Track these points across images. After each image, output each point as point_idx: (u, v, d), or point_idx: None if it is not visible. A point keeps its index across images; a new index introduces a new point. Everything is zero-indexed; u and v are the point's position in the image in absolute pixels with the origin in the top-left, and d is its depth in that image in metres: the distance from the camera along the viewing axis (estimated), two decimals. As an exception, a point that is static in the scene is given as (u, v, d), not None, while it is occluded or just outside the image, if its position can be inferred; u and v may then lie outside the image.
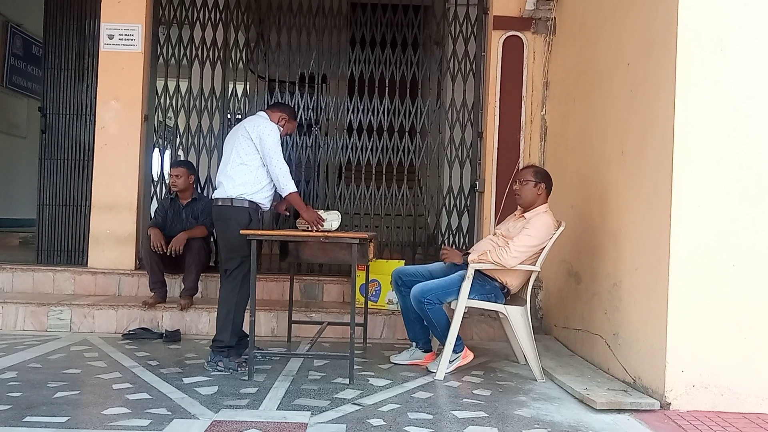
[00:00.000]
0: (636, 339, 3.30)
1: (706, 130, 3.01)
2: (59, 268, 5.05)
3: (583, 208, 4.13)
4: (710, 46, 3.02)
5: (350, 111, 5.55)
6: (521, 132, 5.13)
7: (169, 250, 4.47)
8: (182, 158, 5.40)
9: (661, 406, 2.99)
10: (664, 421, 2.88)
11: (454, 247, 5.38)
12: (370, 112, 5.54)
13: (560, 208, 4.26)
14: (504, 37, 5.13)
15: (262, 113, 3.80)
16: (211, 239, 4.73)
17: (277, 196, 3.80)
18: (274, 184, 3.66)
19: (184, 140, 5.46)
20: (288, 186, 3.60)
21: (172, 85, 5.45)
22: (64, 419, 2.65)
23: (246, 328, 3.59)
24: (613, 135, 3.72)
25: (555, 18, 4.99)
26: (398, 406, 3.01)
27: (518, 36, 5.12)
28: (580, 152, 4.27)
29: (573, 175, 4.35)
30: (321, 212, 3.78)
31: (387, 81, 5.52)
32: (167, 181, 5.03)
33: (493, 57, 5.15)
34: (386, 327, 4.60)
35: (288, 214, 4.10)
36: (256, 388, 3.22)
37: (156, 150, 5.43)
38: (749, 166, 3.02)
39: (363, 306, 4.45)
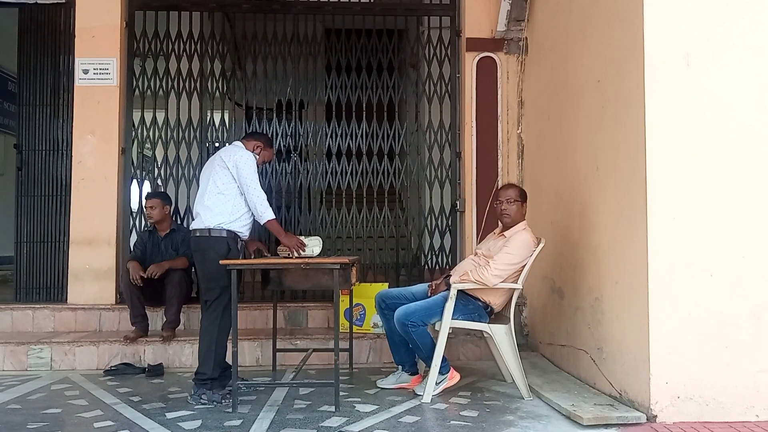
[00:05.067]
0: (620, 352, 3.30)
1: (677, 144, 3.06)
2: (38, 306, 4.97)
3: (562, 224, 4.16)
4: (677, 61, 3.08)
5: (329, 136, 5.57)
6: (498, 151, 5.18)
7: (147, 273, 4.42)
8: (162, 189, 5.37)
9: (647, 419, 3.00)
10: (651, 434, 2.88)
11: (437, 268, 5.39)
12: (348, 137, 5.56)
13: (540, 225, 4.30)
14: (477, 58, 5.21)
15: (238, 143, 3.81)
16: (192, 270, 4.68)
17: (255, 226, 3.78)
18: (252, 213, 3.65)
19: (162, 171, 5.43)
20: (266, 214, 3.59)
21: (149, 117, 5.44)
22: (43, 461, 2.60)
23: (230, 359, 3.54)
24: (587, 151, 3.77)
25: (526, 38, 5.08)
26: (385, 431, 2.97)
27: (491, 57, 5.20)
28: (557, 169, 4.32)
29: (551, 192, 4.39)
30: (302, 238, 3.77)
31: (364, 105, 5.56)
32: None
33: (467, 78, 5.21)
34: (372, 351, 4.57)
35: (253, 255, 4.01)
36: (241, 420, 3.17)
37: (135, 182, 5.40)
38: (722, 177, 3.07)
39: (348, 331, 4.42)
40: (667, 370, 2.99)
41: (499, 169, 5.17)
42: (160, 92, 5.44)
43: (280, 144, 5.51)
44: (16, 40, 5.46)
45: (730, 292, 3.04)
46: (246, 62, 5.74)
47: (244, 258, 3.79)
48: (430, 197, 5.53)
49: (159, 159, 5.47)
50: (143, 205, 4.97)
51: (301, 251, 3.66)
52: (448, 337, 3.56)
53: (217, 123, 5.54)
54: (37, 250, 5.29)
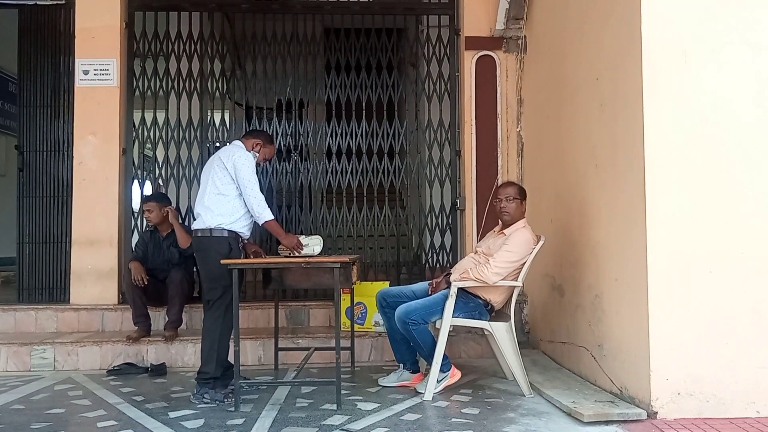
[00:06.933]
0: (620, 349, 3.32)
1: (675, 141, 3.07)
2: (41, 306, 4.98)
3: (562, 222, 4.17)
4: (674, 58, 3.09)
5: (329, 135, 5.58)
6: (498, 149, 5.19)
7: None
8: (163, 189, 5.39)
9: (648, 416, 3.01)
10: (651, 430, 2.90)
11: (437, 266, 5.40)
12: (349, 136, 5.57)
13: (540, 222, 4.32)
14: (476, 56, 5.22)
15: (238, 142, 3.82)
16: (194, 270, 4.70)
17: (257, 226, 3.79)
18: (252, 213, 3.66)
19: (163, 172, 5.44)
20: (264, 214, 3.60)
21: (149, 117, 5.45)
22: (47, 461, 2.62)
23: (232, 358, 3.56)
24: (586, 149, 3.78)
25: (525, 36, 5.08)
26: (387, 429, 2.99)
27: (490, 55, 5.21)
28: (556, 167, 4.33)
29: (551, 190, 4.40)
30: (302, 238, 3.79)
31: (364, 104, 5.57)
32: (147, 214, 5.01)
33: (466, 77, 5.22)
34: (374, 349, 4.59)
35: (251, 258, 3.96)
36: (243, 419, 3.19)
37: (136, 182, 5.41)
38: (720, 174, 3.08)
39: (349, 329, 4.44)
40: (667, 367, 3.00)
41: (499, 168, 5.19)
42: (161, 92, 5.45)
43: (280, 143, 5.52)
44: (16, 41, 5.47)
45: (730, 288, 3.05)
46: (246, 62, 5.75)
47: (245, 258, 3.80)
48: (431, 196, 5.54)
49: (160, 159, 5.48)
50: (141, 208, 4.98)
51: (299, 251, 3.67)
52: (449, 335, 3.58)
53: (217, 123, 5.55)
54: (40, 250, 5.31)
